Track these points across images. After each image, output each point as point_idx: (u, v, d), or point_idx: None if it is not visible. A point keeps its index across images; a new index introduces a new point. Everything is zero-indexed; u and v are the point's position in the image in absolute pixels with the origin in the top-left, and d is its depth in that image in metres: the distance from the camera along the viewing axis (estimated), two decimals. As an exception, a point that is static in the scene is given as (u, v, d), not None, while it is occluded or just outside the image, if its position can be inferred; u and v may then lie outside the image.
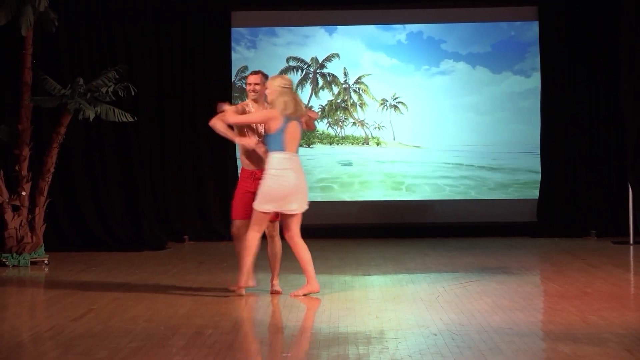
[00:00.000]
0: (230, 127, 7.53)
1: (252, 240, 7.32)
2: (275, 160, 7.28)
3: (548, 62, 12.15)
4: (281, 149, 7.30)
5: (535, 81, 12.38)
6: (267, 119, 7.36)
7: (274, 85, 7.39)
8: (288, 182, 7.26)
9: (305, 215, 7.47)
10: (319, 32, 12.57)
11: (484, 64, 12.51)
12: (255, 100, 7.60)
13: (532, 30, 12.40)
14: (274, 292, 7.57)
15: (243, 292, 7.43)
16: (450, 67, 12.53)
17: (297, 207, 7.34)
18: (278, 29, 12.55)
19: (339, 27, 12.55)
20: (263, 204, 7.27)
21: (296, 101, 7.40)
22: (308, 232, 7.65)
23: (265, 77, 7.66)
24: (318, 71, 12.58)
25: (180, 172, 12.08)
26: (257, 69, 7.81)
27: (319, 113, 12.56)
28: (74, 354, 5.46)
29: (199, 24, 12.08)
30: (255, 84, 7.57)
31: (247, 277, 7.43)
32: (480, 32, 12.51)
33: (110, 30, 11.55)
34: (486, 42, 12.53)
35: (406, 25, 12.51)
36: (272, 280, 7.67)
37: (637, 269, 9.03)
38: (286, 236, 7.44)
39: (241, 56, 12.45)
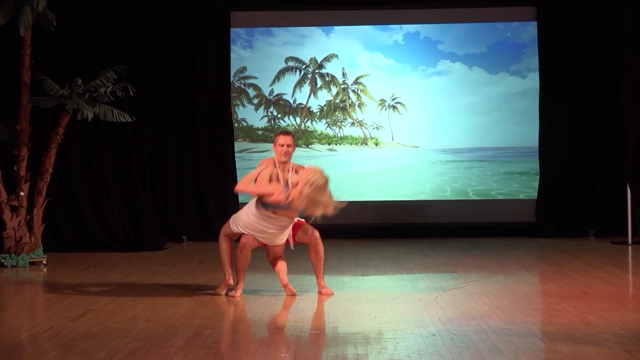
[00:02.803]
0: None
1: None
2: None
3: (547, 62, 12.15)
4: None
5: (531, 82, 12.39)
6: None
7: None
8: None
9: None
10: (315, 32, 12.57)
11: (481, 65, 12.52)
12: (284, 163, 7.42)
13: (528, 31, 12.41)
14: (323, 294, 7.52)
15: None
16: (447, 67, 12.54)
17: None
18: (274, 29, 12.55)
19: (335, 27, 12.55)
20: None
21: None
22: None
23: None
24: (317, 71, 12.58)
25: (180, 172, 12.09)
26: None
27: (317, 113, 12.61)
28: (73, 355, 5.46)
29: (199, 24, 12.09)
30: (288, 145, 7.44)
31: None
32: (476, 32, 12.52)
33: (110, 30, 11.54)
34: (482, 42, 12.54)
35: (403, 26, 12.52)
36: (318, 282, 7.62)
37: (636, 270, 9.02)
38: None
39: (237, 56, 12.45)
